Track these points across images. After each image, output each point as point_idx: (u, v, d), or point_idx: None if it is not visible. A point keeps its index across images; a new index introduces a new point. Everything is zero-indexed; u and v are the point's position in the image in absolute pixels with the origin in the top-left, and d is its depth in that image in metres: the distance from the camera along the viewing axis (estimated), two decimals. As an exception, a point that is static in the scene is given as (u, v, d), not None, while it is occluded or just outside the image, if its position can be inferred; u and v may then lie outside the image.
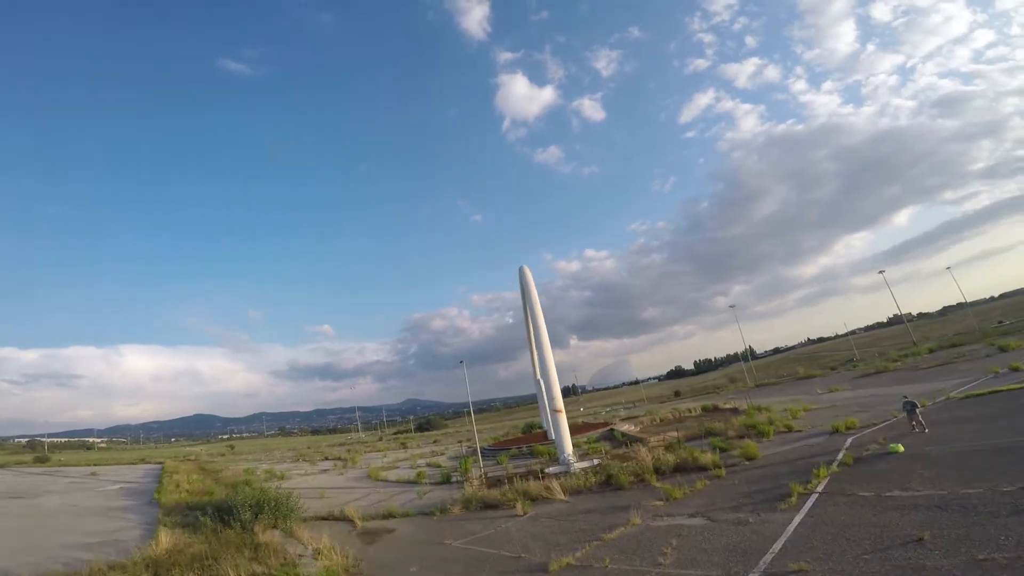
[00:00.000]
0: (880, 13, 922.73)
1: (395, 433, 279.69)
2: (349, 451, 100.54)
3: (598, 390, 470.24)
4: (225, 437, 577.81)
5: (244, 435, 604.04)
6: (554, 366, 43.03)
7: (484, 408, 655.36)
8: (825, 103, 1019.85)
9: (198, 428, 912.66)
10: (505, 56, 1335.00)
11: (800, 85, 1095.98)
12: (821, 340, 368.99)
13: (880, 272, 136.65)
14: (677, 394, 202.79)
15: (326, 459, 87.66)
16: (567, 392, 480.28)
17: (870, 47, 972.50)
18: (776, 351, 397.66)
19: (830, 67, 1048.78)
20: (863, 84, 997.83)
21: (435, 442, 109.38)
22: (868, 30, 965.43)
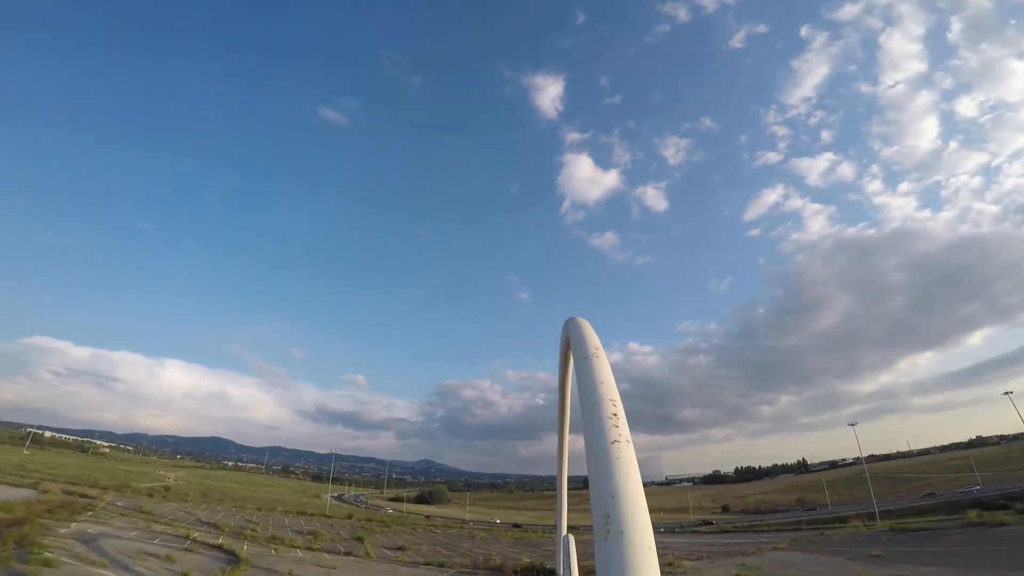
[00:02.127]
0: (966, 108, 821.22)
1: (390, 500, 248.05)
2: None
3: None
4: (231, 464, 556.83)
5: (251, 465, 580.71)
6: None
7: (497, 483, 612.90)
8: (900, 205, 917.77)
9: (211, 450, 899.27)
10: (573, 136, 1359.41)
11: (875, 185, 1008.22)
12: (886, 458, 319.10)
13: (1006, 394, 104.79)
14: (725, 509, 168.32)
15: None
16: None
17: (953, 144, 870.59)
18: (833, 465, 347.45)
19: (908, 166, 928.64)
20: (943, 186, 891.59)
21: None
22: (952, 126, 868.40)
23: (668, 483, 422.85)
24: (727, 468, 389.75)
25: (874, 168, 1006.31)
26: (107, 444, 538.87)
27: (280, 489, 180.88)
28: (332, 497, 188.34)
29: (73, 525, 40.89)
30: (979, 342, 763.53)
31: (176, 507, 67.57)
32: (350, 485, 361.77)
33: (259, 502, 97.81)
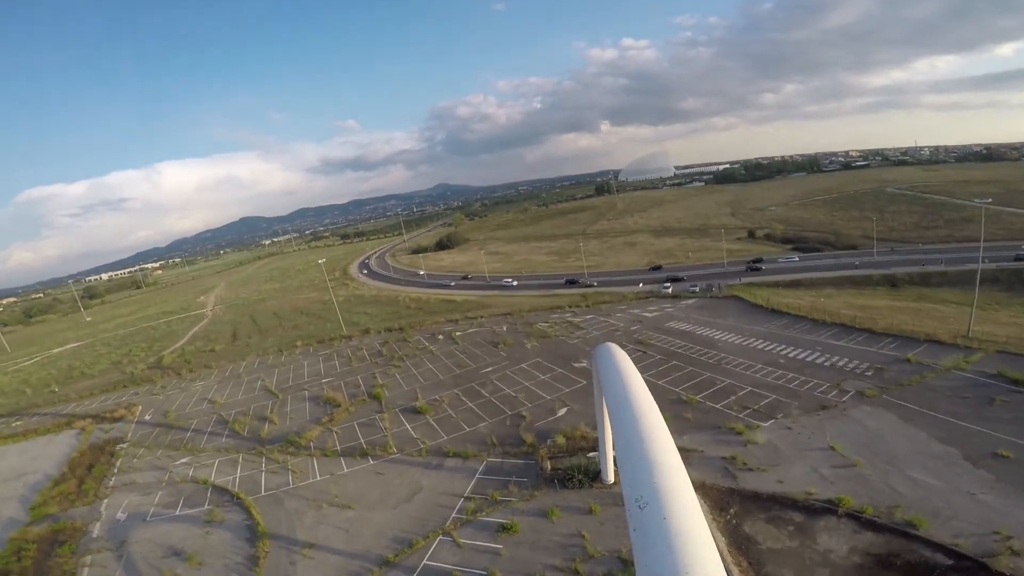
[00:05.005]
0: None
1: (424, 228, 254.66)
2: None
3: (637, 189, 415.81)
4: (267, 243, 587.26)
5: (285, 237, 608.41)
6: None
7: (511, 196, 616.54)
8: None
9: (246, 232, 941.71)
10: None
11: None
12: (901, 163, 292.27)
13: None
14: (751, 235, 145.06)
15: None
16: (601, 189, 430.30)
17: None
18: (847, 166, 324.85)
19: None
20: None
21: (418, 413, 50.01)
22: None
23: (679, 183, 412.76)
24: (729, 157, 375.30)
25: None
26: (157, 264, 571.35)
27: (309, 278, 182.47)
28: (359, 270, 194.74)
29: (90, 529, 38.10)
30: (1009, 53, 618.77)
31: (200, 395, 66.47)
32: (376, 237, 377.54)
33: (284, 333, 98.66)
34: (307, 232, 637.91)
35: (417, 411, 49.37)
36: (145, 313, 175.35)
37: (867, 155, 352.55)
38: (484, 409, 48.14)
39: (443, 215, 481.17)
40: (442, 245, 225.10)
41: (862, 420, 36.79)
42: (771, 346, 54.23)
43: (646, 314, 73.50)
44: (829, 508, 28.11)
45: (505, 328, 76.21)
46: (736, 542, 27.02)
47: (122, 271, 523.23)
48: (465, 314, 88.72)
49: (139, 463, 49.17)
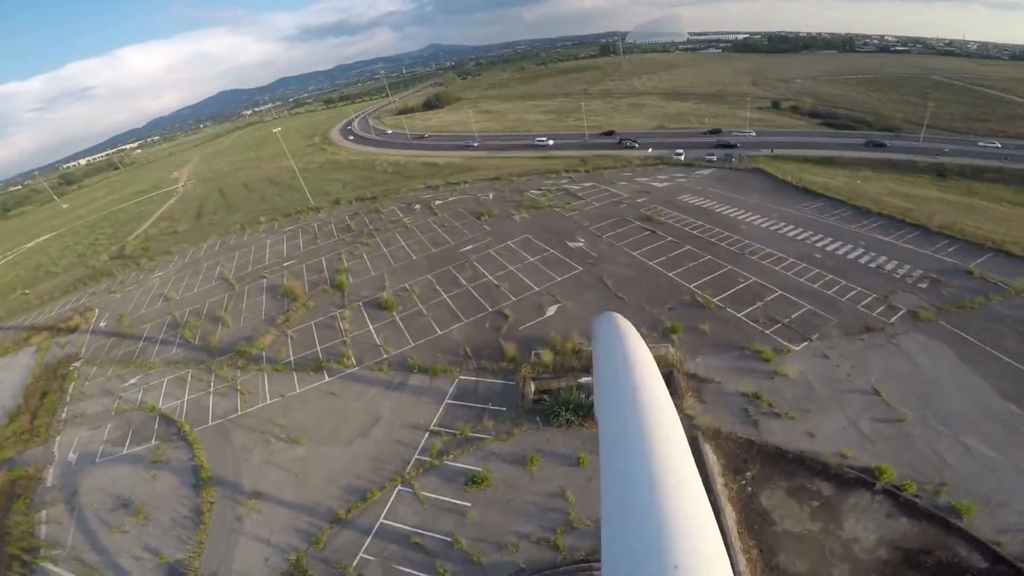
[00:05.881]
0: None
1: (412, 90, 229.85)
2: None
3: (646, 51, 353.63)
4: (248, 113, 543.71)
5: (268, 107, 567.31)
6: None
7: (509, 56, 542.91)
8: None
9: (227, 105, 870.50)
10: None
11: None
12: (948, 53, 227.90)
13: None
14: (775, 106, 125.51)
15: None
16: (606, 50, 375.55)
17: None
18: (884, 49, 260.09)
19: None
20: None
21: (384, 309, 42.79)
22: None
23: (692, 48, 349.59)
24: (746, 26, 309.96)
25: None
26: (136, 144, 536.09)
27: (287, 146, 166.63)
28: (340, 134, 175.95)
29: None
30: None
31: (157, 291, 59.40)
32: (361, 100, 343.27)
33: (250, 207, 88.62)
34: (290, 100, 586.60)
35: (382, 306, 41.60)
36: (120, 194, 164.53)
37: (905, 42, 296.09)
38: (460, 303, 40.23)
39: (434, 76, 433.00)
40: (430, 105, 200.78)
41: (914, 355, 28.05)
42: (804, 234, 43.85)
43: (655, 184, 61.91)
44: (865, 479, 21.22)
45: (491, 196, 65.43)
46: (748, 519, 20.45)
47: (100, 155, 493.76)
48: (447, 179, 77.18)
49: (90, 387, 43.78)
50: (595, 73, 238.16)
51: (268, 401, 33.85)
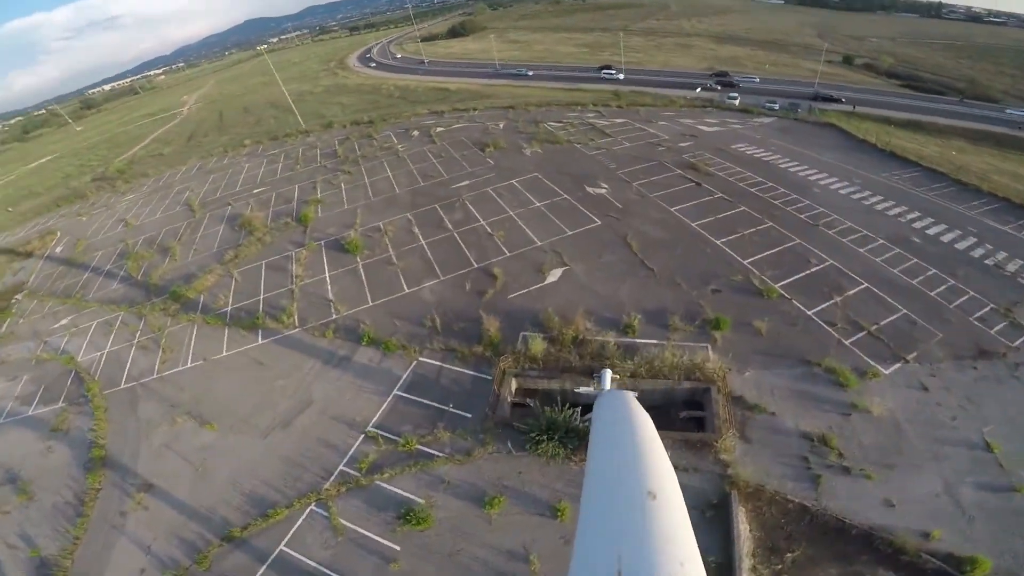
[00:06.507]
0: None
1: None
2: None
3: None
4: (274, 40, 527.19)
5: (294, 35, 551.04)
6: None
7: None
8: None
9: (253, 33, 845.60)
10: None
11: None
12: None
13: None
14: (847, 61, 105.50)
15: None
16: None
17: None
18: (975, 19, 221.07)
19: None
20: None
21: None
22: None
23: None
24: None
25: None
26: (161, 71, 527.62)
27: (301, 71, 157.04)
28: (358, 60, 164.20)
29: None
30: None
31: (120, 215, 52.89)
32: (385, 28, 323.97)
33: (242, 130, 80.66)
34: (316, 28, 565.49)
35: (345, 248, 33.67)
36: (130, 117, 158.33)
37: (997, 14, 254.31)
38: (439, 253, 31.96)
39: (464, 6, 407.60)
40: (455, 33, 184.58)
41: (1042, 397, 18.49)
42: (897, 209, 33.07)
43: (702, 127, 50.97)
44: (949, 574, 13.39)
45: (502, 126, 55.45)
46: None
47: (126, 80, 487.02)
48: (455, 106, 67.00)
49: (23, 327, 37.76)
50: (638, 11, 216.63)
51: (189, 364, 26.88)
